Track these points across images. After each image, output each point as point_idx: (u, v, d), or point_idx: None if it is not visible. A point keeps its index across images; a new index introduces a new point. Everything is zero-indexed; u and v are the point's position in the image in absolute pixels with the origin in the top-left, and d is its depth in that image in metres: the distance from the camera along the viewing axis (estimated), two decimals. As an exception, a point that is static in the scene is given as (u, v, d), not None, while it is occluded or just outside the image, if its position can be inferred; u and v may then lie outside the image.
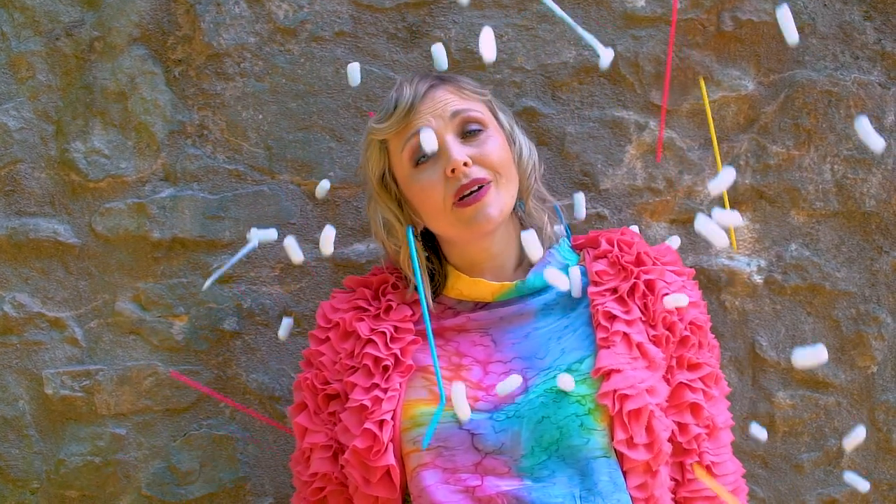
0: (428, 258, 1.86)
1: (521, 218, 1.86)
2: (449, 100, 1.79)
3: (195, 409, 2.13)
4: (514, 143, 1.84)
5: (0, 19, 2.12)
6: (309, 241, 2.11)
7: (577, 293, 1.79)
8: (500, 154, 1.78)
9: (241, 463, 2.12)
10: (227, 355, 2.12)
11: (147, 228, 2.11)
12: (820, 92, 2.12)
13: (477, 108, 1.80)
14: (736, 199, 2.13)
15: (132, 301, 2.12)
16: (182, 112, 2.12)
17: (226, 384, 2.12)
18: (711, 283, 2.11)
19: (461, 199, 1.75)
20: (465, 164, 1.74)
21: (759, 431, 1.89)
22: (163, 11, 2.11)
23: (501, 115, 1.85)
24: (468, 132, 1.78)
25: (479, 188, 1.75)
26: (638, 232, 1.94)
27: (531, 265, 1.83)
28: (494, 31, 2.09)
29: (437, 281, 1.86)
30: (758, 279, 2.13)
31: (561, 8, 2.09)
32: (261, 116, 2.12)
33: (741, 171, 2.12)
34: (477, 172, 1.75)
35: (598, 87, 2.12)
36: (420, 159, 1.78)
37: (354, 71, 1.90)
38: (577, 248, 1.90)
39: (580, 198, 2.03)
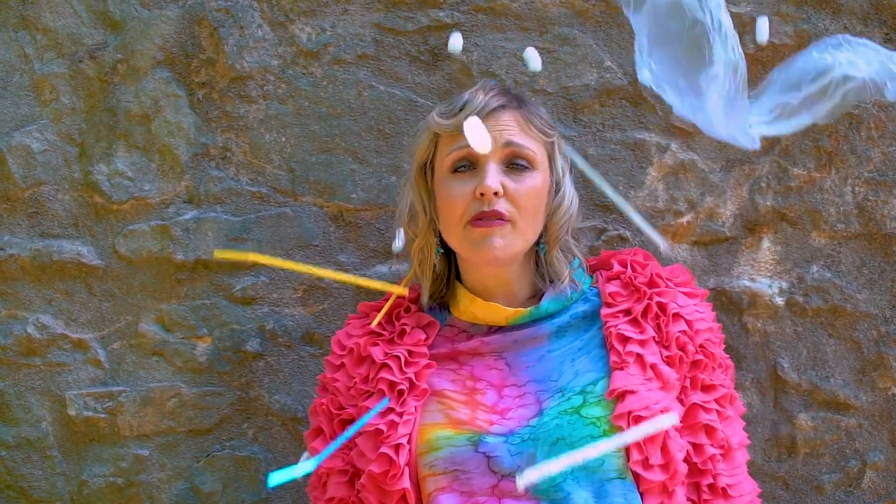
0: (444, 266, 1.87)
1: (538, 260, 1.84)
2: (510, 128, 1.78)
3: (218, 431, 2.13)
4: (558, 192, 1.82)
5: (23, 41, 2.13)
6: (332, 262, 2.12)
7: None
8: (533, 198, 1.77)
9: (264, 484, 2.12)
10: (250, 377, 2.13)
11: (170, 250, 2.12)
12: (841, 114, 2.12)
13: (532, 147, 1.78)
14: (757, 220, 2.13)
15: (155, 322, 2.13)
16: (205, 134, 2.13)
17: (248, 406, 2.13)
18: (733, 304, 2.11)
19: (476, 219, 1.75)
20: (496, 194, 1.74)
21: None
22: (186, 34, 2.12)
23: (558, 160, 1.83)
24: (514, 164, 1.77)
25: (497, 218, 1.75)
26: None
27: (539, 297, 1.83)
28: (516, 54, 2.11)
29: (446, 289, 1.87)
30: (779, 301, 2.13)
31: (582, 31, 2.11)
32: (283, 139, 2.13)
33: (762, 194, 2.13)
34: (502, 205, 1.74)
35: (620, 109, 2.12)
36: (459, 168, 1.78)
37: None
38: (590, 270, 1.90)
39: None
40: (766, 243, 2.13)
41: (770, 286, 2.13)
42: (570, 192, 1.84)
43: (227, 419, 2.13)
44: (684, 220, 2.12)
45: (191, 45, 2.13)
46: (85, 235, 2.13)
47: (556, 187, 1.82)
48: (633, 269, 1.84)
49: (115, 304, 2.13)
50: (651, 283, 1.81)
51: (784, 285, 2.13)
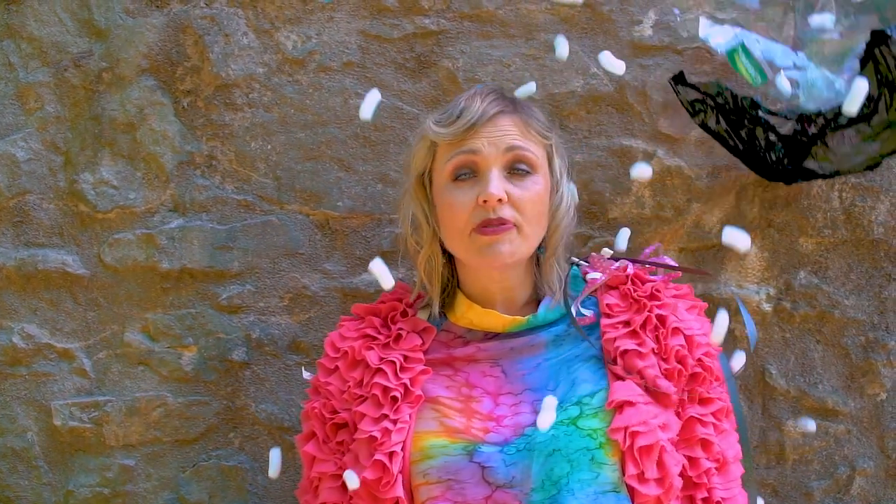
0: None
1: (538, 263, 1.83)
2: (511, 132, 1.76)
3: (204, 440, 2.12)
4: (557, 193, 1.81)
5: (8, 50, 2.13)
6: (318, 270, 2.11)
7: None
8: (537, 203, 1.75)
9: (251, 494, 2.12)
10: (236, 386, 2.12)
11: (156, 259, 2.11)
12: (827, 120, 2.12)
13: (533, 150, 1.77)
14: (745, 227, 2.12)
15: (141, 332, 2.12)
16: (191, 142, 2.12)
17: (235, 415, 2.12)
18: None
19: (481, 227, 1.73)
20: (500, 201, 1.72)
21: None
22: (171, 42, 2.12)
23: (556, 162, 1.81)
24: (516, 169, 1.76)
25: (502, 224, 1.73)
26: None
27: (538, 303, 1.82)
28: (502, 61, 2.11)
29: (445, 301, 1.85)
30: (767, 307, 2.13)
31: (567, 37, 2.10)
32: (269, 146, 2.12)
33: (749, 200, 2.13)
34: (506, 212, 1.73)
35: (606, 115, 2.12)
36: (460, 175, 1.76)
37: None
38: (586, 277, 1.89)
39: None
40: (753, 249, 2.13)
41: (757, 292, 2.13)
42: (567, 193, 1.83)
43: (214, 429, 2.12)
44: (671, 226, 2.12)
45: (176, 53, 2.12)
46: (70, 244, 2.13)
47: (554, 188, 1.81)
48: (633, 283, 1.83)
49: (101, 314, 2.12)
50: (651, 296, 1.80)
51: (771, 291, 2.13)
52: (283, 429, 2.11)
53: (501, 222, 1.72)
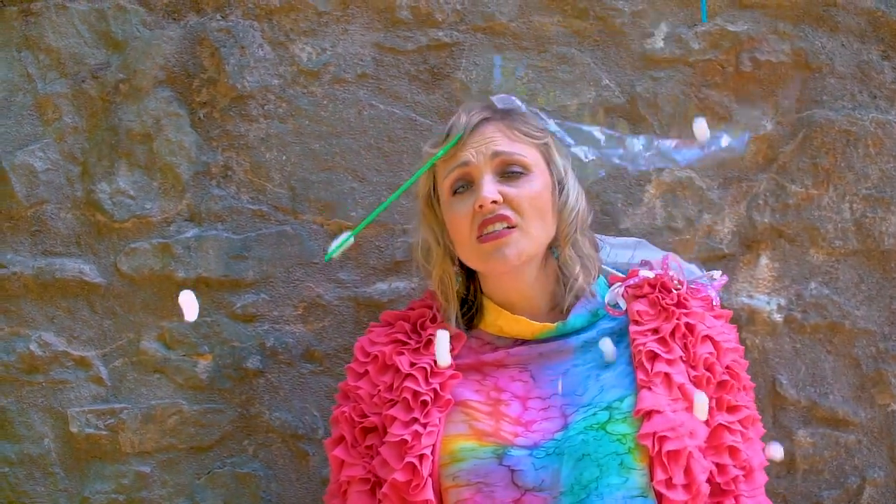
0: (467, 287, 1.87)
1: (559, 270, 1.85)
2: (495, 138, 1.80)
3: (219, 448, 2.14)
4: (562, 191, 1.83)
5: (26, 61, 2.15)
6: (332, 280, 2.13)
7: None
8: (535, 201, 1.78)
9: (265, 501, 2.13)
10: (251, 394, 2.14)
11: (172, 268, 2.13)
12: (838, 131, 2.13)
13: (522, 152, 1.80)
14: (755, 237, 2.14)
15: (157, 340, 2.14)
16: (207, 153, 2.14)
17: (249, 422, 2.13)
18: (732, 321, 2.11)
19: (483, 235, 1.77)
20: (495, 202, 1.76)
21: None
22: (188, 54, 2.14)
23: (557, 160, 1.84)
24: (509, 172, 1.79)
25: (505, 227, 1.76)
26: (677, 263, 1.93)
27: (563, 309, 1.83)
28: (514, 72, 2.12)
29: (472, 310, 1.88)
30: (778, 318, 2.13)
31: (579, 49, 2.12)
32: (284, 157, 2.14)
33: (760, 211, 2.14)
34: (503, 210, 1.76)
35: (618, 127, 2.13)
36: (458, 189, 1.81)
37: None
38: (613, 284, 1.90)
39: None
40: (764, 260, 2.14)
41: (768, 303, 2.13)
42: (574, 189, 1.85)
43: (228, 436, 2.14)
44: (682, 237, 2.13)
45: (192, 64, 2.14)
46: (87, 253, 2.15)
47: (559, 187, 1.83)
48: (661, 291, 1.84)
49: (117, 322, 2.14)
50: (679, 304, 1.82)
51: (782, 302, 2.14)
52: (296, 436, 2.12)
53: (501, 220, 1.76)
